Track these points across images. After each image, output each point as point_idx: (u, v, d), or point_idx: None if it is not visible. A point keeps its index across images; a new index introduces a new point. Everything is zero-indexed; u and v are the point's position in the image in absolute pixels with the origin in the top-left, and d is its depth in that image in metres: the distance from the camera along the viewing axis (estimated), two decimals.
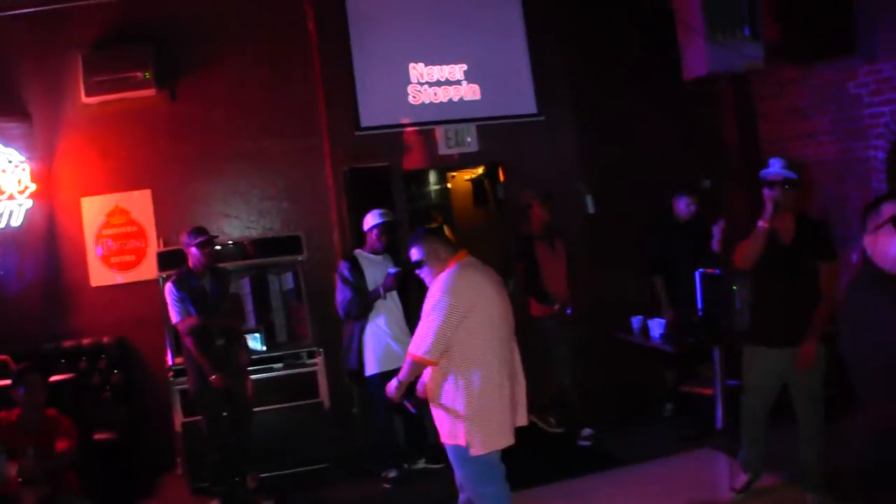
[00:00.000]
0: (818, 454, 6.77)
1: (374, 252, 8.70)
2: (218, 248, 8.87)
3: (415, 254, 5.91)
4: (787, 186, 6.65)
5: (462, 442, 5.64)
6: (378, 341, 8.47)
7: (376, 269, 8.54)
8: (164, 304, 8.68)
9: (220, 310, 8.32)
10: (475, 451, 5.63)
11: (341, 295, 8.50)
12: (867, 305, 3.95)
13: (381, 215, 8.64)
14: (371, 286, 8.46)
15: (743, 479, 7.23)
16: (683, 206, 9.29)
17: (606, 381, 9.82)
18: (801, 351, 6.57)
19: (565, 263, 9.39)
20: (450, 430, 5.74)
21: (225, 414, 8.36)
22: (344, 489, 8.83)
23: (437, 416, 5.84)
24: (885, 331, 3.78)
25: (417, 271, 5.94)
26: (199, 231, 8.28)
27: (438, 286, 5.64)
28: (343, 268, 8.53)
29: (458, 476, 6.01)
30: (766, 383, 6.90)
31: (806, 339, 6.57)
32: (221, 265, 8.82)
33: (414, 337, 5.69)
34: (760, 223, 6.64)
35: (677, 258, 9.03)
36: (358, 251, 8.80)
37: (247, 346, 8.93)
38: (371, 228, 8.67)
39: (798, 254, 6.68)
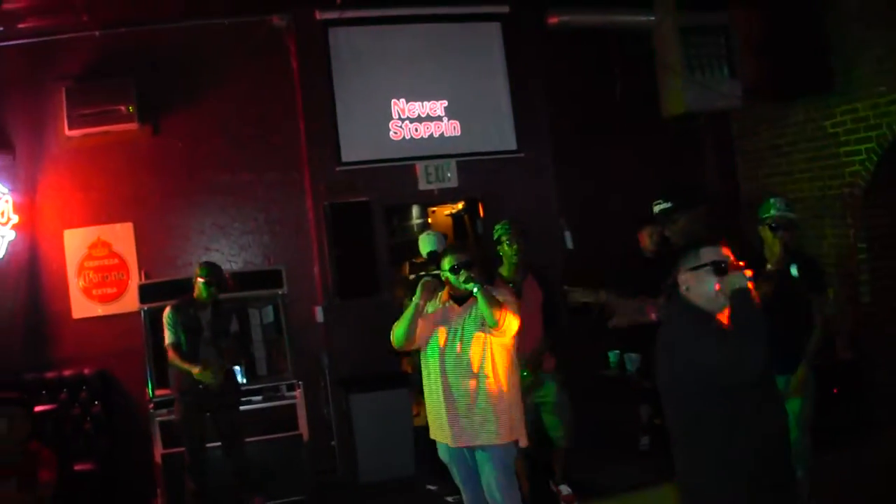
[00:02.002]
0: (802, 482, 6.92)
1: None
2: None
3: None
4: (789, 227, 6.85)
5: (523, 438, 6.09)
6: None
7: None
8: (146, 336, 8.84)
9: (217, 345, 8.48)
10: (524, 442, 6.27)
11: None
12: (686, 339, 4.17)
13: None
14: None
15: None
16: (645, 237, 9.24)
17: (582, 415, 9.88)
18: (794, 378, 6.78)
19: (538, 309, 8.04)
20: (512, 427, 6.09)
21: (217, 444, 8.53)
22: None
23: (502, 411, 6.10)
24: (706, 357, 4.04)
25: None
26: (209, 267, 8.59)
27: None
28: None
29: (498, 480, 6.18)
30: None
31: (800, 367, 6.80)
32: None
33: None
34: (770, 267, 6.76)
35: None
36: None
37: (236, 380, 9.05)
38: None
39: (793, 286, 6.83)
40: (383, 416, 9.56)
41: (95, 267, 9.88)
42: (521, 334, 6.35)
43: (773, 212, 6.88)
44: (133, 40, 9.95)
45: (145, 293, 9.31)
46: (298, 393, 9.28)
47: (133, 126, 9.72)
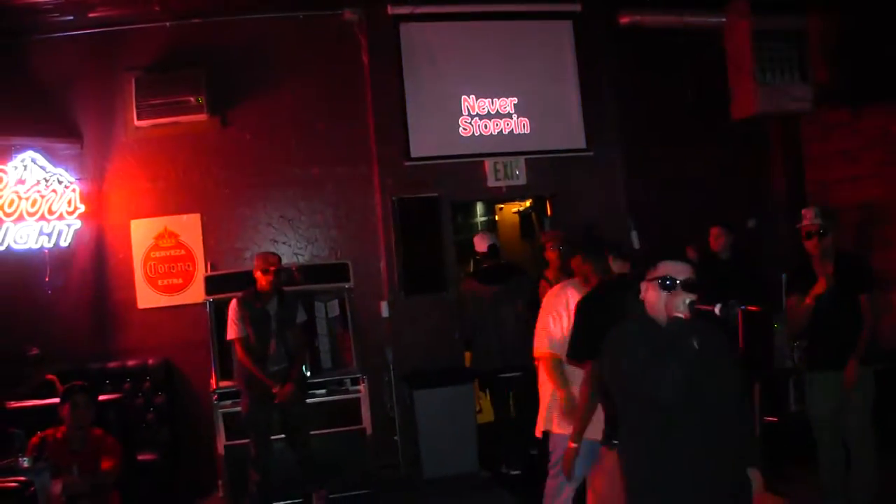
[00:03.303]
0: (869, 485, 6.95)
1: None
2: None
3: None
4: (822, 234, 7.11)
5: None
6: None
7: None
8: (211, 328, 8.83)
9: (283, 336, 8.42)
10: None
11: None
12: (624, 343, 4.23)
13: None
14: None
15: None
16: (713, 239, 9.16)
17: None
18: (845, 372, 6.90)
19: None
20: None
21: (282, 436, 8.51)
22: None
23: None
24: (630, 367, 4.11)
25: None
26: (267, 256, 8.50)
27: None
28: None
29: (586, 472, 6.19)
30: (826, 411, 7.12)
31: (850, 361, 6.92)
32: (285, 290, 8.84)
33: None
34: (808, 301, 7.07)
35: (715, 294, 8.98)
36: None
37: (304, 373, 8.95)
38: None
39: (838, 289, 6.99)
40: (447, 411, 9.50)
41: (161, 257, 9.89)
42: None
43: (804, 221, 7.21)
44: (204, 32, 9.98)
45: (211, 285, 9.30)
46: (363, 387, 9.20)
47: (202, 117, 9.74)
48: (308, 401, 8.84)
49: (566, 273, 8.20)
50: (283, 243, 10.12)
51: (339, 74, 10.34)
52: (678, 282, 4.15)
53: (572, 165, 10.66)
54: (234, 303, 8.45)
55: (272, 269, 8.36)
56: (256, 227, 10.14)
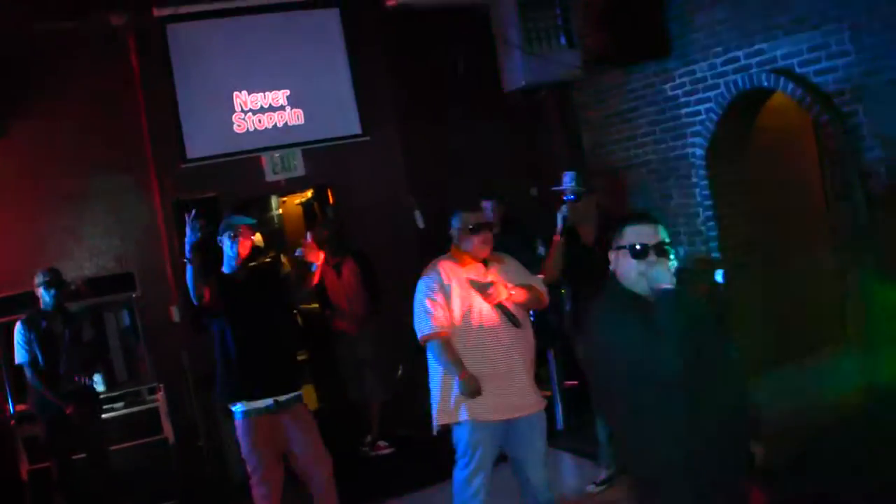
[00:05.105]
0: None
1: None
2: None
3: None
4: (574, 198, 7.44)
5: None
6: None
7: None
8: (3, 351, 8.72)
9: (75, 355, 8.36)
10: None
11: None
12: (613, 324, 3.98)
13: None
14: None
15: (604, 474, 7.68)
16: (488, 211, 9.35)
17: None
18: None
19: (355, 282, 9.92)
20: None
21: (83, 456, 8.44)
22: None
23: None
24: (628, 349, 3.83)
25: None
26: (46, 272, 8.37)
27: None
28: None
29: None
30: None
31: None
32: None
33: None
34: (555, 238, 7.37)
35: None
36: None
37: (94, 390, 8.88)
38: None
39: (602, 253, 7.20)
40: None
41: None
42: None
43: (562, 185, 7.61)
44: None
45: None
46: (160, 395, 9.29)
47: None
48: (106, 415, 8.87)
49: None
50: (67, 257, 9.94)
51: (112, 80, 10.16)
52: (643, 247, 3.89)
53: (351, 152, 10.80)
54: (18, 325, 8.36)
55: (49, 282, 8.30)
56: (41, 242, 9.93)
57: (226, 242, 6.80)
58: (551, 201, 11.05)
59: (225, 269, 6.86)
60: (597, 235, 7.37)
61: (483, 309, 5.98)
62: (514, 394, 5.97)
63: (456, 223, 6.17)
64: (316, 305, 10.42)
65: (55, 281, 8.34)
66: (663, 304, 3.79)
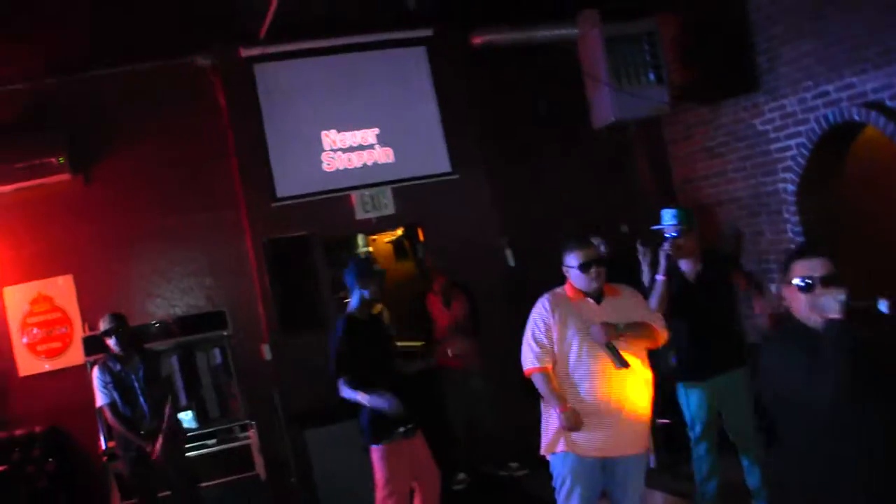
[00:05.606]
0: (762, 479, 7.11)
1: None
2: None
3: None
4: (675, 235, 7.13)
5: None
6: None
7: None
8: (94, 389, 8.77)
9: (149, 393, 8.34)
10: None
11: None
12: (777, 352, 4.10)
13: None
14: None
15: None
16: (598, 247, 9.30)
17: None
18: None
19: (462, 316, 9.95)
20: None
21: (168, 493, 8.42)
22: None
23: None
24: (797, 391, 3.89)
25: None
26: (106, 320, 8.36)
27: None
28: None
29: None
30: (704, 416, 7.20)
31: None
32: (148, 346, 8.83)
33: None
34: (658, 277, 7.11)
35: None
36: None
37: (181, 427, 8.91)
38: None
39: (704, 290, 7.12)
40: (341, 448, 9.43)
41: (39, 322, 9.83)
42: None
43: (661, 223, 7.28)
44: (60, 90, 9.88)
45: (90, 345, 9.20)
46: (252, 433, 9.28)
47: (65, 177, 9.68)
48: (198, 452, 8.91)
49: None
50: (158, 296, 10.11)
51: (199, 120, 10.31)
52: (816, 280, 3.94)
53: (440, 190, 10.75)
54: (95, 369, 8.41)
55: (110, 329, 8.29)
56: (130, 282, 10.09)
57: (365, 292, 7.31)
58: (642, 238, 11.08)
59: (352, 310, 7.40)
60: (699, 272, 7.22)
61: (587, 345, 5.89)
62: (616, 431, 5.90)
63: (567, 260, 6.09)
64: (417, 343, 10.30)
65: (115, 328, 8.31)
66: (828, 334, 3.81)
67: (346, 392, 7.17)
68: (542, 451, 6.16)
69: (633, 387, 5.93)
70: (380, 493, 7.09)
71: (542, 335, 5.97)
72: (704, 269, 7.19)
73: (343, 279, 7.63)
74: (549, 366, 5.95)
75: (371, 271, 7.39)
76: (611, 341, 5.80)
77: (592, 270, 5.95)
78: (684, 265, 7.25)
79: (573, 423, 5.81)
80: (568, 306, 6.00)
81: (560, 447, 5.98)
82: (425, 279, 10.24)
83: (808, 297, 3.94)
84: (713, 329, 7.07)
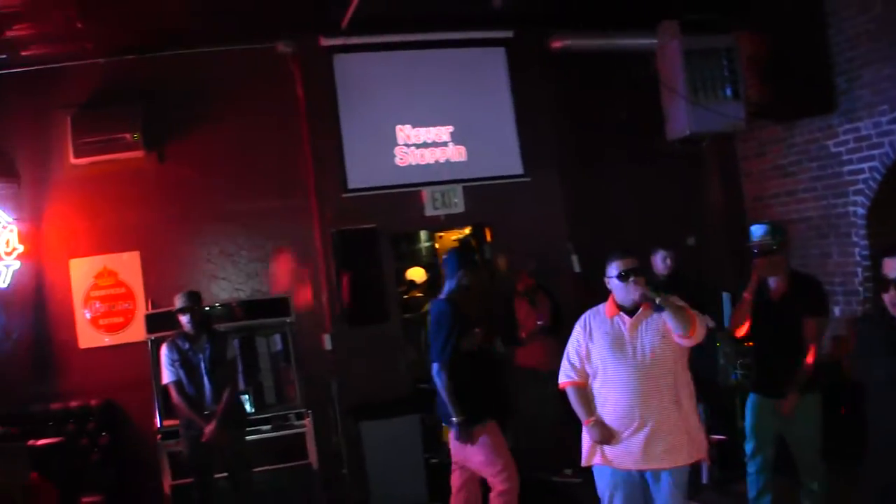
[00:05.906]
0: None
1: None
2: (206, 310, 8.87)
3: None
4: (770, 252, 6.93)
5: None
6: None
7: None
8: (153, 366, 8.81)
9: (215, 375, 8.33)
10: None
11: None
12: (866, 340, 4.65)
13: None
14: None
15: None
16: (660, 261, 9.26)
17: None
18: (784, 401, 6.82)
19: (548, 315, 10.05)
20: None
21: (224, 475, 8.41)
22: None
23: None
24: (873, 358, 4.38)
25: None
26: (182, 298, 8.36)
27: None
28: None
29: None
30: (762, 433, 7.09)
31: (788, 391, 6.82)
32: (216, 327, 8.79)
33: None
34: (745, 295, 6.99)
35: None
36: None
37: (243, 411, 8.93)
38: None
39: (789, 310, 6.93)
40: (394, 443, 9.51)
41: (102, 296, 9.85)
42: None
43: (752, 239, 7.07)
44: (138, 67, 9.92)
45: (152, 323, 9.25)
46: (307, 421, 9.23)
47: (139, 154, 9.74)
48: (253, 437, 8.83)
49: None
50: (223, 279, 10.11)
51: (275, 107, 10.32)
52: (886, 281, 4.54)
53: (511, 191, 10.70)
54: (163, 346, 8.40)
55: (185, 307, 8.29)
56: (196, 262, 10.11)
57: (464, 279, 7.28)
58: (707, 252, 11.01)
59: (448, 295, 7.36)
60: (785, 292, 7.01)
61: (613, 363, 5.90)
62: (647, 445, 5.83)
63: (609, 270, 6.04)
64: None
65: (190, 307, 8.32)
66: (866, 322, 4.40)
67: (440, 381, 7.11)
68: (582, 463, 6.21)
69: (660, 402, 5.86)
70: (491, 470, 7.11)
71: (575, 351, 6.08)
72: (789, 289, 7.01)
73: (442, 264, 7.67)
74: (581, 381, 6.06)
75: (473, 259, 7.48)
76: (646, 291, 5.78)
77: (631, 280, 5.87)
78: (772, 282, 7.10)
79: (600, 436, 5.90)
80: (602, 323, 6.02)
81: (596, 460, 6.05)
82: (493, 279, 10.17)
83: (887, 294, 4.48)
84: (790, 349, 6.91)
